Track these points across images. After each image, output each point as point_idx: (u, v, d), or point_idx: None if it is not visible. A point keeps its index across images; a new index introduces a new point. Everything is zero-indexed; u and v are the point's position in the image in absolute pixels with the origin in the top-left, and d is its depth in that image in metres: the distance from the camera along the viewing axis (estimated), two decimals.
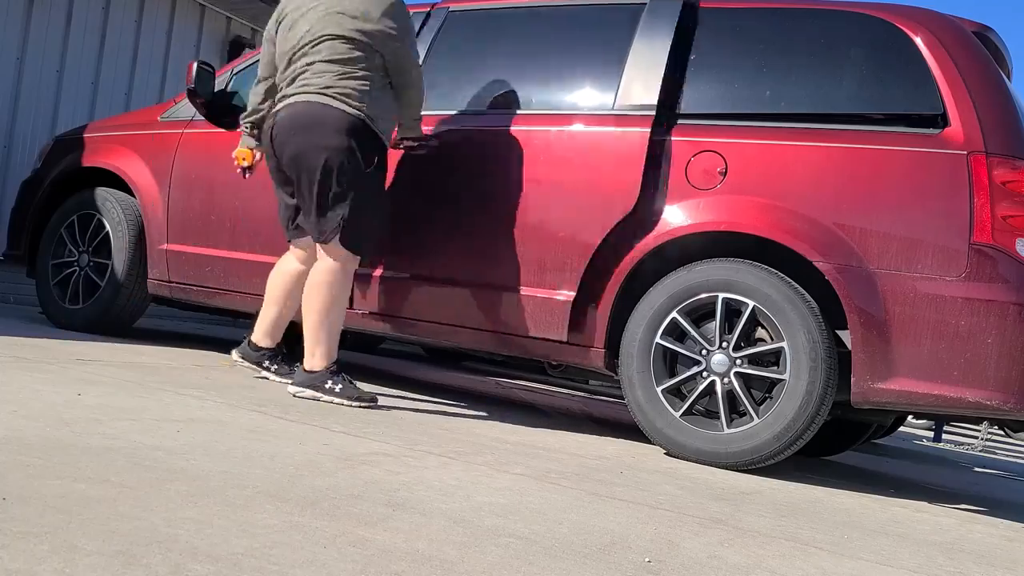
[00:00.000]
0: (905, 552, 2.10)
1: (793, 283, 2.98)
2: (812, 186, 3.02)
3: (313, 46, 3.21)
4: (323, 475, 1.86)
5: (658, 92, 3.23)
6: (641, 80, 3.28)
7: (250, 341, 3.51)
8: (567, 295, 3.25)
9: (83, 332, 4.27)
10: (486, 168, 3.51)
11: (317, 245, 3.25)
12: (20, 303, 5.83)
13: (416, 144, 3.55)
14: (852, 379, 2.87)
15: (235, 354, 3.54)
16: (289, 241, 3.48)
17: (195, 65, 4.07)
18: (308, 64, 3.21)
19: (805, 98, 3.21)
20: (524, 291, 3.33)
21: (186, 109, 4.32)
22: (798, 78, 3.23)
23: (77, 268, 4.46)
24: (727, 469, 3.00)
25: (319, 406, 2.96)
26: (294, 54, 3.26)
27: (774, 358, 3.00)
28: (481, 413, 3.56)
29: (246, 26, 8.02)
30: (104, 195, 4.41)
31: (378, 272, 3.62)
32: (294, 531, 1.41)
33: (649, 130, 3.17)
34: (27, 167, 6.15)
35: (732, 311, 3.03)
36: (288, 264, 3.47)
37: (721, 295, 3.03)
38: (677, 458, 3.09)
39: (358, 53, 3.18)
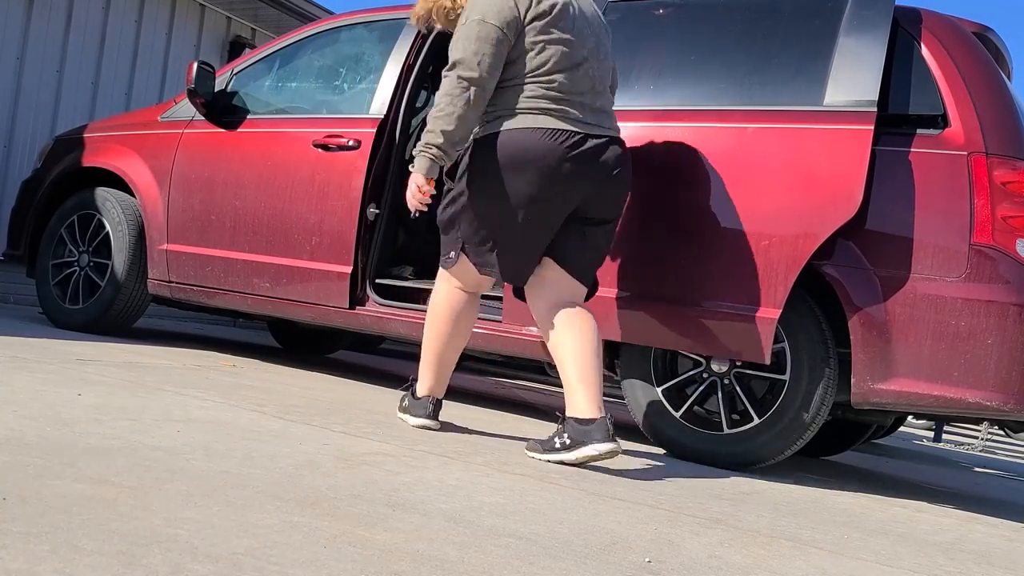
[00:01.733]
0: (905, 552, 2.10)
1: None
2: None
3: (602, 65, 2.75)
4: (323, 475, 1.86)
5: (878, 88, 2.90)
6: (856, 75, 2.94)
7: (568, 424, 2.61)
8: (770, 313, 2.86)
9: (83, 332, 4.27)
10: (670, 172, 3.10)
11: (570, 282, 2.75)
12: (20, 303, 5.84)
13: None
14: (852, 379, 2.87)
15: (536, 455, 2.60)
16: (486, 272, 2.79)
17: (195, 65, 4.08)
18: (602, 91, 2.75)
19: None
20: (724, 307, 2.94)
21: (186, 109, 4.33)
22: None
23: (77, 268, 4.46)
24: (727, 469, 3.01)
25: (318, 406, 2.95)
26: (581, 64, 2.67)
27: (774, 358, 3.00)
28: (481, 413, 3.56)
29: (246, 26, 8.03)
30: (104, 195, 4.42)
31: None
32: (294, 531, 1.41)
33: (873, 128, 2.83)
34: (27, 167, 6.17)
35: None
36: (459, 301, 2.83)
37: None
38: (677, 458, 3.09)
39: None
